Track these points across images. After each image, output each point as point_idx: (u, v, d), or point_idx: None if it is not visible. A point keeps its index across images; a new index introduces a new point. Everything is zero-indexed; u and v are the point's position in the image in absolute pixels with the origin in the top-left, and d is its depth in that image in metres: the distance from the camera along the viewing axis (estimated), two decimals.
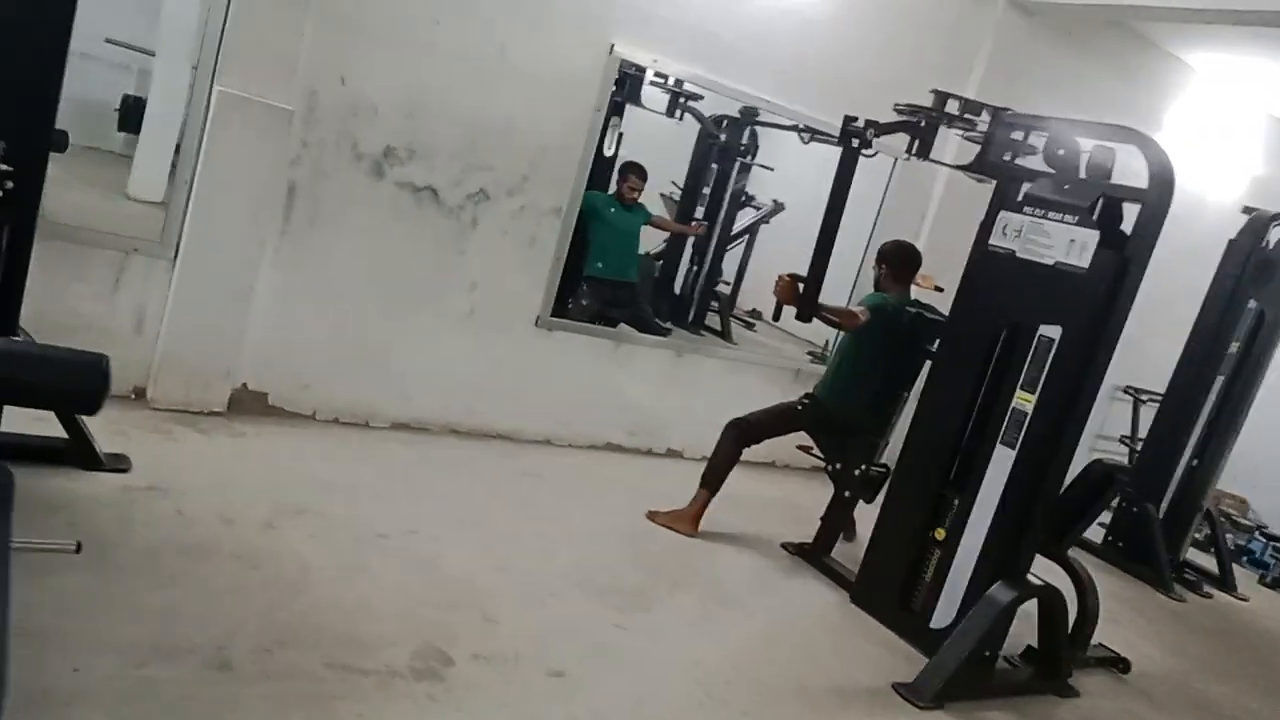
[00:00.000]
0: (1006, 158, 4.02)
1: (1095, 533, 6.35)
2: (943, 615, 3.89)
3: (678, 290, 7.24)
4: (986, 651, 3.76)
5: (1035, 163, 3.93)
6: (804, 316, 4.18)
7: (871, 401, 4.42)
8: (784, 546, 4.69)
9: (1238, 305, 5.95)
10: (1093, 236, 3.61)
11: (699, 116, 6.78)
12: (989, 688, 3.79)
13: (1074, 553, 6.12)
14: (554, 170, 4.80)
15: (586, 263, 5.89)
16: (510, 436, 5.10)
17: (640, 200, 6.16)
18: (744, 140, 7.16)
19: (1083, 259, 3.62)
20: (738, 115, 6.80)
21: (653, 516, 4.54)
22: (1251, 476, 8.13)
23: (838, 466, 4.49)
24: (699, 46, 4.97)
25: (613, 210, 6.04)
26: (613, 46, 4.74)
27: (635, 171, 6.17)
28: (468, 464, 4.66)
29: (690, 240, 7.16)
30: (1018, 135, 4.01)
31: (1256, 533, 7.51)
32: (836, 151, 4.24)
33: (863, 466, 4.38)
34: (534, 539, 4.00)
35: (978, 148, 4.03)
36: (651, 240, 6.88)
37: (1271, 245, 5.93)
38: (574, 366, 5.21)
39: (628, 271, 6.21)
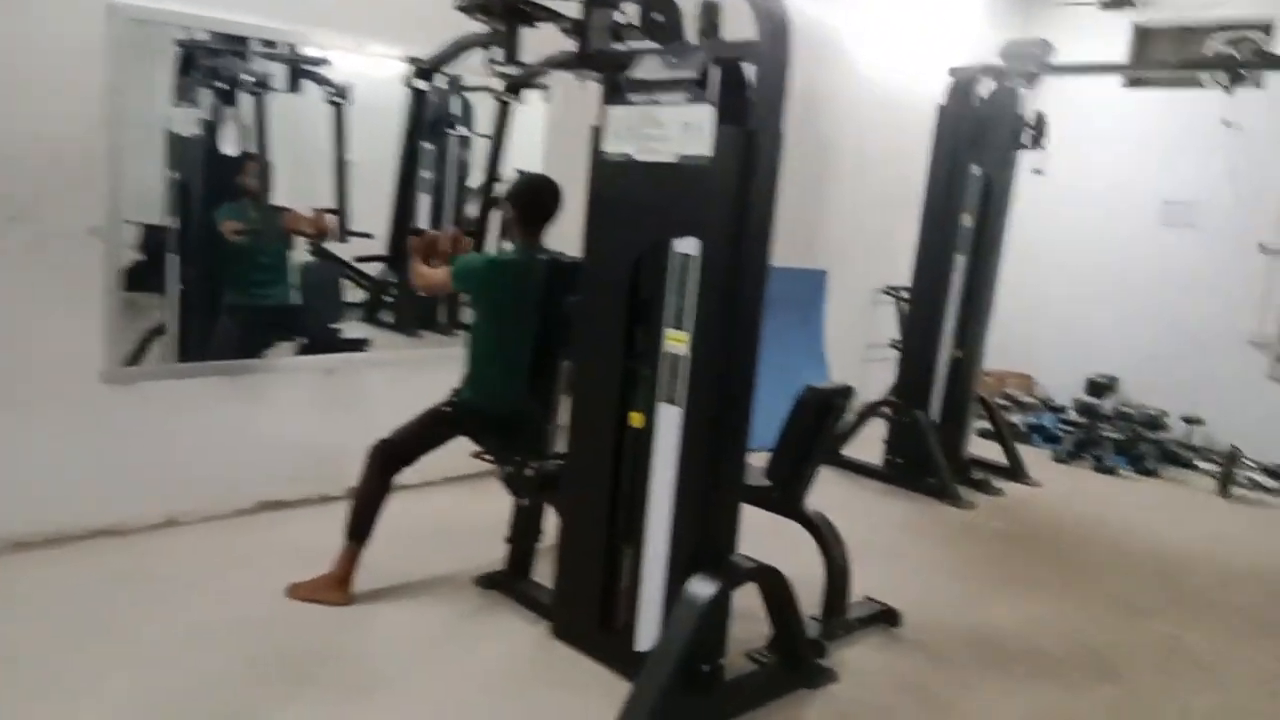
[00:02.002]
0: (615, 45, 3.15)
1: (874, 455, 5.72)
2: (646, 631, 3.03)
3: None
4: (704, 665, 2.92)
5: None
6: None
7: (522, 383, 3.49)
8: (477, 581, 3.74)
9: (960, 175, 5.37)
10: (708, 114, 2.76)
11: (328, 83, 5.62)
12: (718, 705, 2.96)
13: (855, 483, 5.73)
14: (76, 182, 3.64)
15: (225, 291, 4.71)
16: (116, 530, 3.93)
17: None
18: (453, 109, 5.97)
19: (702, 145, 2.77)
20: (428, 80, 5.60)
21: (294, 592, 3.51)
22: (1028, 351, 7.79)
23: (509, 469, 3.56)
24: None
25: (253, 216, 4.84)
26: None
27: (254, 159, 4.99)
28: (39, 585, 3.48)
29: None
30: (618, 14, 3.14)
31: (1044, 407, 7.11)
32: None
33: (536, 463, 3.46)
34: (86, 671, 2.89)
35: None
36: None
37: (980, 103, 5.35)
38: (183, 420, 4.09)
39: (279, 293, 5.00)
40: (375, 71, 4.64)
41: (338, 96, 4.88)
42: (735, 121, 2.75)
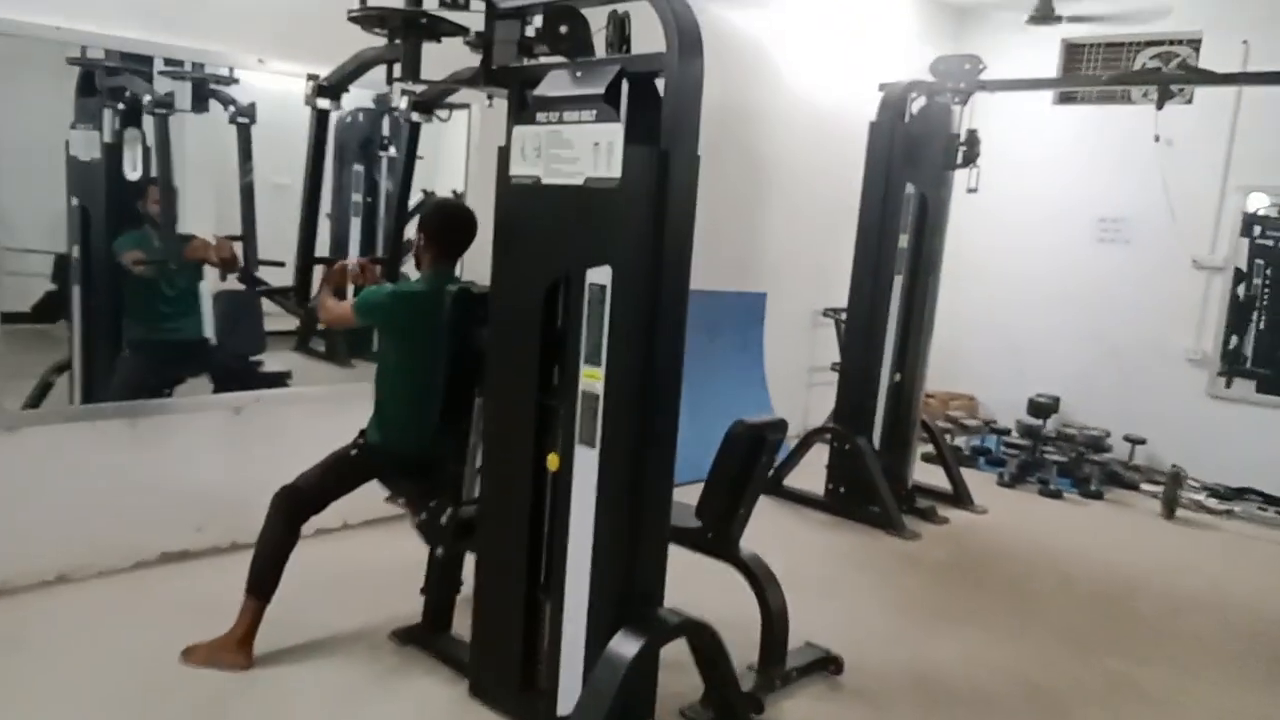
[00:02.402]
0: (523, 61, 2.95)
1: (817, 483, 5.54)
2: (569, 693, 2.79)
3: None
4: None
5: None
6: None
7: (433, 423, 3.24)
8: (393, 637, 3.48)
9: (895, 193, 5.25)
10: (616, 132, 2.57)
11: (232, 103, 5.30)
12: None
13: (796, 513, 5.50)
14: None
15: (125, 325, 4.38)
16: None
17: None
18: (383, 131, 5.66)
19: (612, 166, 2.57)
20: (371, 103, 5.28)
21: (190, 656, 3.22)
22: (971, 372, 7.71)
23: (422, 517, 3.31)
24: None
25: (156, 245, 4.53)
26: None
27: (155, 184, 4.67)
28: None
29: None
30: (525, 28, 2.94)
31: (987, 429, 7.02)
32: None
33: (450, 509, 3.22)
34: None
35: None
36: None
37: (911, 119, 5.25)
38: (77, 467, 3.79)
39: (188, 326, 4.67)
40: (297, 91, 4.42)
41: (242, 116, 4.61)
42: (647, 140, 2.56)
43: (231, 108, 4.57)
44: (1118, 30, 7.06)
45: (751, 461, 3.33)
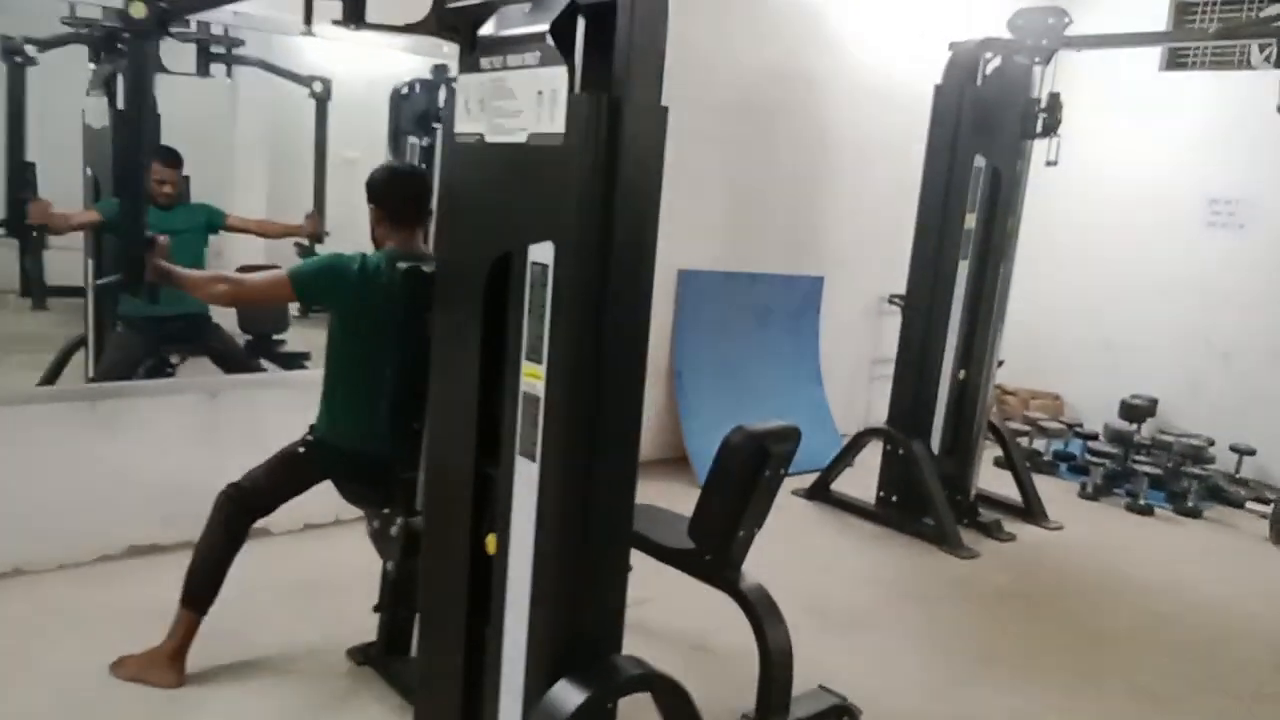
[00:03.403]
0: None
1: (867, 489, 4.98)
2: None
3: None
4: None
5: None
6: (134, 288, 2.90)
7: (384, 420, 2.83)
8: (351, 654, 3.11)
9: (962, 166, 4.63)
10: (560, 77, 2.09)
11: (275, 70, 4.98)
12: None
13: (842, 523, 4.82)
14: None
15: (120, 299, 4.14)
16: None
17: (194, 198, 4.40)
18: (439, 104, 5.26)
19: (555, 119, 2.10)
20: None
21: (119, 668, 2.91)
22: (1058, 368, 6.98)
23: (375, 525, 2.91)
24: None
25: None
26: None
27: (162, 158, 4.41)
28: None
29: None
30: None
31: (1071, 433, 6.30)
32: None
33: (399, 520, 2.81)
34: None
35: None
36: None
37: (984, 82, 4.60)
38: (41, 452, 3.52)
39: (182, 300, 4.40)
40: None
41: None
42: (595, 86, 2.07)
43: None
44: None
45: (753, 476, 2.82)
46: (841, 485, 5.14)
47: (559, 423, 2.15)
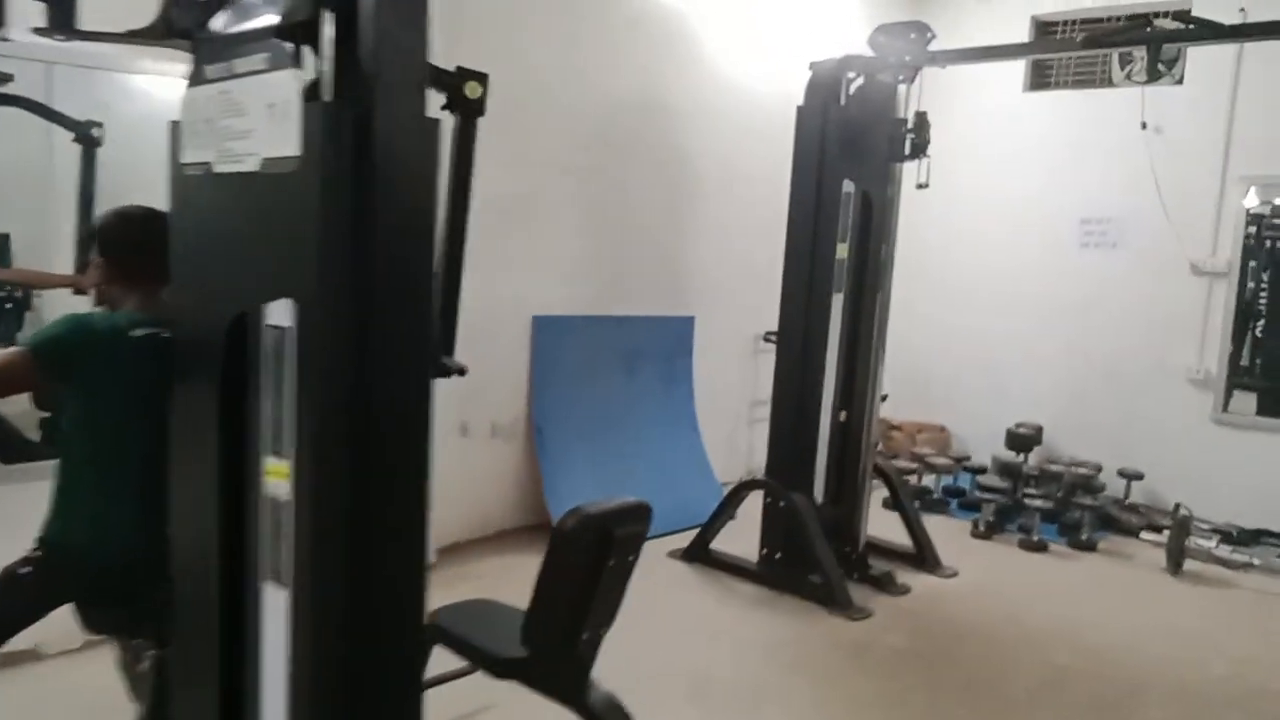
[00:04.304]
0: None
1: (751, 543, 4.55)
2: None
3: None
4: None
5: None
6: None
7: (136, 517, 2.23)
8: None
9: (830, 192, 4.29)
10: (291, 84, 1.60)
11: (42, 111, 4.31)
12: None
13: (721, 586, 4.30)
14: None
15: None
16: None
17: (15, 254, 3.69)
18: None
19: (288, 138, 1.60)
20: None
21: None
22: (941, 400, 6.75)
23: (125, 658, 2.32)
24: None
25: None
26: None
27: None
28: None
29: None
30: None
31: (959, 467, 6.04)
32: None
33: (149, 652, 2.22)
34: None
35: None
36: None
37: (847, 102, 4.29)
38: None
39: None
40: None
41: None
42: (345, 98, 1.59)
43: None
44: (1096, 2, 6.13)
45: (596, 566, 2.34)
46: (724, 541, 4.70)
47: (311, 536, 1.63)
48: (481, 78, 2.32)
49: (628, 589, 2.49)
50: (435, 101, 2.39)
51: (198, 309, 1.85)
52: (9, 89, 3.80)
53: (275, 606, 1.70)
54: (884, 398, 6.30)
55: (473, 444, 4.66)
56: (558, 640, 2.39)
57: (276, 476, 1.67)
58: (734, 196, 5.75)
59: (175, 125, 1.88)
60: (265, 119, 1.65)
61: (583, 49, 4.86)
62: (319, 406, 1.60)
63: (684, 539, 4.78)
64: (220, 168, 1.76)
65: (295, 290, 1.60)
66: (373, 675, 1.71)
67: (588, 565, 2.33)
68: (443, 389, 4.34)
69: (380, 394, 1.63)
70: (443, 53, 3.70)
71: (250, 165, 1.68)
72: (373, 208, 1.58)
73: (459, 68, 2.31)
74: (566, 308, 4.96)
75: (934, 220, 6.18)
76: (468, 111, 2.34)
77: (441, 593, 4.05)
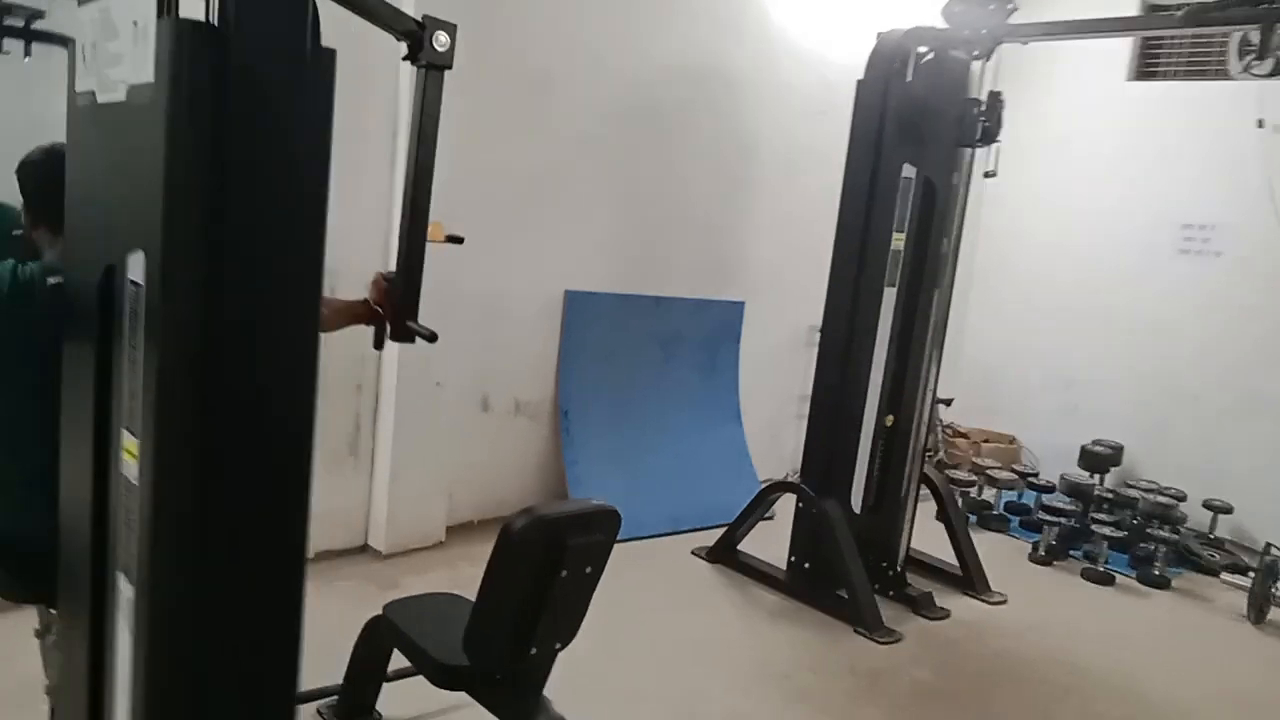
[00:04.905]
0: None
1: (780, 551, 4.23)
2: None
3: None
4: None
5: None
6: None
7: (41, 492, 2.06)
8: None
9: (888, 177, 3.92)
10: (147, 7, 1.37)
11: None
12: None
13: (744, 594, 4.00)
14: None
15: None
16: None
17: None
18: None
19: (144, 62, 1.37)
20: None
21: None
22: (1012, 408, 6.27)
23: (36, 628, 2.16)
24: None
25: None
26: None
27: None
28: None
29: None
30: None
31: (1024, 483, 5.58)
32: None
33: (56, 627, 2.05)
34: None
35: None
36: None
37: (914, 78, 3.89)
38: None
39: None
40: None
41: None
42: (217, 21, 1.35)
43: None
44: None
45: (547, 577, 2.08)
46: (755, 543, 4.39)
47: (156, 524, 1.41)
48: (449, 28, 2.06)
49: (591, 602, 2.23)
50: (399, 51, 2.14)
51: (74, 260, 1.64)
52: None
53: (124, 604, 1.49)
54: (948, 402, 5.91)
55: (493, 420, 4.45)
56: (501, 652, 2.14)
57: (129, 456, 1.46)
58: (795, 176, 5.38)
59: (71, 46, 1.67)
60: (131, 40, 1.42)
61: (635, 11, 4.57)
62: (157, 376, 1.37)
63: (714, 536, 4.49)
64: (102, 97, 1.54)
65: (145, 242, 1.38)
66: (229, 694, 1.48)
67: (534, 575, 2.08)
68: (464, 360, 4.16)
69: (234, 364, 1.39)
70: (477, 11, 3.45)
71: (120, 94, 1.46)
72: (237, 150, 1.34)
73: (425, 16, 2.05)
74: (603, 285, 4.69)
75: (1016, 216, 5.70)
76: (432, 64, 2.08)
77: (442, 572, 3.89)
